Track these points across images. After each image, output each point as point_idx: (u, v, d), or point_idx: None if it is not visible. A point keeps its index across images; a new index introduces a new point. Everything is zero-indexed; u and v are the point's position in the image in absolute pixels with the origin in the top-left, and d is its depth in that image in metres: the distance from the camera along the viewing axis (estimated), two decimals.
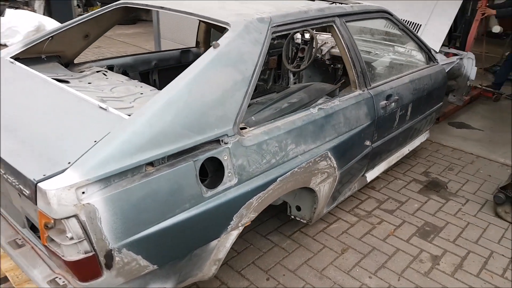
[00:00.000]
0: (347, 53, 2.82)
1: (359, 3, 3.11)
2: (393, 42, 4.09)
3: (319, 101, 2.89)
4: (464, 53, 4.71)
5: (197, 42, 3.95)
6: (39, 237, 1.85)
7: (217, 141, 1.96)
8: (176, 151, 1.80)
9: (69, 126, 1.89)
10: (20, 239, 2.09)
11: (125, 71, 3.28)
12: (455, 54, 4.66)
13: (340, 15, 2.81)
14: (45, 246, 1.66)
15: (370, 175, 3.37)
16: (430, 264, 2.89)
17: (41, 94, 2.21)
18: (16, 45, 2.79)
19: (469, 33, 5.67)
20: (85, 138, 1.72)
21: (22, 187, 1.60)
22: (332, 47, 4.06)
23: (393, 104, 3.13)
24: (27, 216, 1.90)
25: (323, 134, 2.53)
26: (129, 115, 1.85)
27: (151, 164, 1.74)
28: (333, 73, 4.29)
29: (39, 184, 1.52)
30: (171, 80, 1.99)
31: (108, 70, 2.91)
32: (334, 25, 2.76)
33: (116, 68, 3.18)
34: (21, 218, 1.99)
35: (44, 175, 1.54)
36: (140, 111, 1.81)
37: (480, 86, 6.34)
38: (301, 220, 2.95)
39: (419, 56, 3.86)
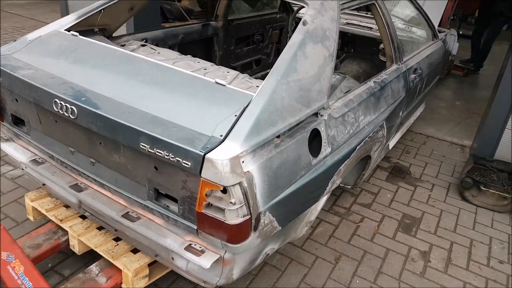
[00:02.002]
0: (386, 29, 3.31)
1: None
2: (405, 20, 4.48)
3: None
4: (447, 30, 5.57)
5: (216, 15, 4.29)
6: (162, 207, 2.05)
7: (315, 114, 2.31)
8: (295, 123, 2.13)
9: (198, 102, 2.08)
10: (132, 212, 2.22)
11: (157, 44, 3.43)
12: (440, 32, 5.27)
13: None
14: (200, 213, 1.86)
15: (391, 144, 3.87)
16: (422, 262, 3.19)
17: (147, 72, 2.33)
18: (68, 17, 2.86)
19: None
20: (222, 113, 1.96)
21: (181, 160, 1.78)
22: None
23: (418, 77, 3.76)
24: (156, 187, 2.04)
25: (379, 105, 3.02)
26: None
27: (277, 136, 2.05)
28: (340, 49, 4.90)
29: (207, 155, 1.73)
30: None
31: (152, 45, 3.01)
32: (375, 3, 3.22)
33: (149, 41, 3.33)
34: (144, 191, 2.10)
35: (207, 147, 1.77)
36: (262, 88, 2.05)
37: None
38: (345, 186, 3.33)
39: (428, 33, 4.55)
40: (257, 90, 2.06)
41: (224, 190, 1.79)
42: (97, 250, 2.46)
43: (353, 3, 2.89)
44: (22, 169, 2.86)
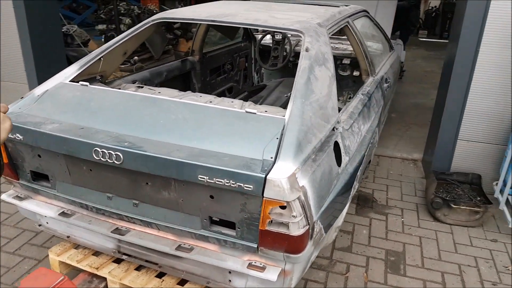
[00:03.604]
0: (360, 47, 3.80)
1: (346, 5, 4.22)
2: (369, 36, 5.05)
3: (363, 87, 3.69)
4: (393, 41, 6.22)
5: (192, 51, 4.66)
6: (219, 232, 2.31)
7: (332, 128, 2.66)
8: (323, 139, 2.47)
9: (236, 131, 2.37)
10: (184, 244, 2.43)
11: (145, 84, 3.64)
12: None
13: (350, 16, 3.85)
14: (263, 230, 2.14)
15: None
16: None
17: (175, 111, 2.57)
18: (70, 69, 3.06)
19: None
20: (264, 137, 2.26)
21: (243, 185, 2.05)
22: (296, 45, 5.19)
23: (388, 86, 4.28)
24: (211, 215, 2.29)
25: (370, 114, 3.45)
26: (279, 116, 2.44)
27: None
28: (292, 69, 5.45)
29: (268, 177, 2.02)
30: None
31: (148, 86, 3.25)
32: (348, 24, 3.71)
33: (138, 83, 3.54)
34: (197, 221, 2.34)
35: (265, 170, 2.05)
36: (291, 111, 2.38)
37: None
38: None
39: (386, 45, 5.18)
40: (286, 114, 2.38)
41: (283, 206, 2.06)
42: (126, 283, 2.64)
43: (334, 27, 3.34)
44: (39, 225, 2.98)
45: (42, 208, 2.81)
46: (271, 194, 2.06)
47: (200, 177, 2.14)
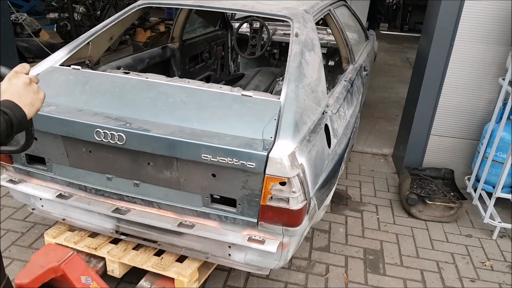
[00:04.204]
0: (341, 35, 4.11)
1: None
2: (347, 25, 5.37)
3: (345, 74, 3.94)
4: (367, 31, 6.59)
5: (172, 38, 4.87)
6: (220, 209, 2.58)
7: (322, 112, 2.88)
8: (316, 120, 2.71)
9: (235, 113, 2.60)
10: (185, 222, 2.68)
11: (129, 70, 3.78)
12: None
13: (331, 4, 4.13)
14: (264, 205, 2.41)
15: None
16: None
17: (173, 94, 2.78)
18: (60, 53, 3.19)
19: None
20: (262, 118, 2.51)
21: (245, 162, 2.29)
22: (273, 34, 5.50)
23: (366, 73, 4.61)
24: (212, 193, 2.54)
25: (353, 100, 3.72)
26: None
27: None
28: (269, 58, 5.90)
29: (270, 155, 2.26)
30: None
31: (135, 72, 3.42)
32: (330, 12, 3.99)
33: (122, 68, 3.73)
34: (198, 199, 2.57)
35: (267, 148, 2.28)
36: (287, 94, 2.64)
37: None
38: None
39: (362, 35, 5.54)
40: (281, 97, 2.62)
41: (283, 183, 2.30)
42: (144, 267, 2.84)
43: (318, 15, 3.62)
44: (33, 209, 3.12)
45: (39, 190, 2.97)
46: (273, 171, 2.30)
47: (204, 156, 2.35)
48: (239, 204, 2.51)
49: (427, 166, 4.91)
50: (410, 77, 5.40)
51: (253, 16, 5.04)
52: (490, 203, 4.07)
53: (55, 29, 10.44)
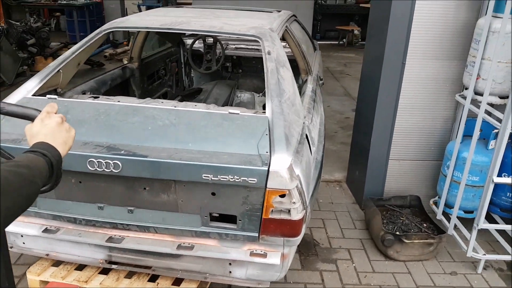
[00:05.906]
0: (299, 49, 4.32)
1: (278, 10, 4.82)
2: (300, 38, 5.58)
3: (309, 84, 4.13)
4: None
5: (131, 58, 4.90)
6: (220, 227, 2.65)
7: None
8: (300, 132, 2.86)
9: (225, 131, 2.70)
10: (183, 244, 2.72)
11: (95, 93, 3.81)
12: None
13: (287, 20, 4.36)
14: (266, 219, 2.53)
15: None
16: None
17: (159, 117, 2.82)
18: (31, 82, 3.15)
19: None
20: (253, 133, 2.63)
21: (247, 179, 2.40)
22: (226, 49, 5.73)
23: (322, 83, 4.87)
24: (212, 212, 2.59)
25: (318, 108, 3.89)
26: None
27: None
28: (221, 71, 6.15)
29: (271, 169, 2.38)
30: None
31: (105, 96, 3.41)
32: (287, 29, 4.20)
33: (89, 93, 3.72)
34: (197, 219, 2.64)
35: (266, 163, 2.40)
36: (272, 110, 2.80)
37: None
38: None
39: (311, 46, 5.77)
40: (267, 112, 2.77)
41: (282, 195, 2.42)
42: None
43: (280, 32, 3.81)
44: (11, 247, 3.01)
45: (22, 227, 2.90)
46: (274, 184, 2.42)
47: (205, 176, 2.42)
48: (240, 220, 2.60)
49: (388, 193, 4.72)
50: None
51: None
52: (472, 236, 3.82)
53: None
